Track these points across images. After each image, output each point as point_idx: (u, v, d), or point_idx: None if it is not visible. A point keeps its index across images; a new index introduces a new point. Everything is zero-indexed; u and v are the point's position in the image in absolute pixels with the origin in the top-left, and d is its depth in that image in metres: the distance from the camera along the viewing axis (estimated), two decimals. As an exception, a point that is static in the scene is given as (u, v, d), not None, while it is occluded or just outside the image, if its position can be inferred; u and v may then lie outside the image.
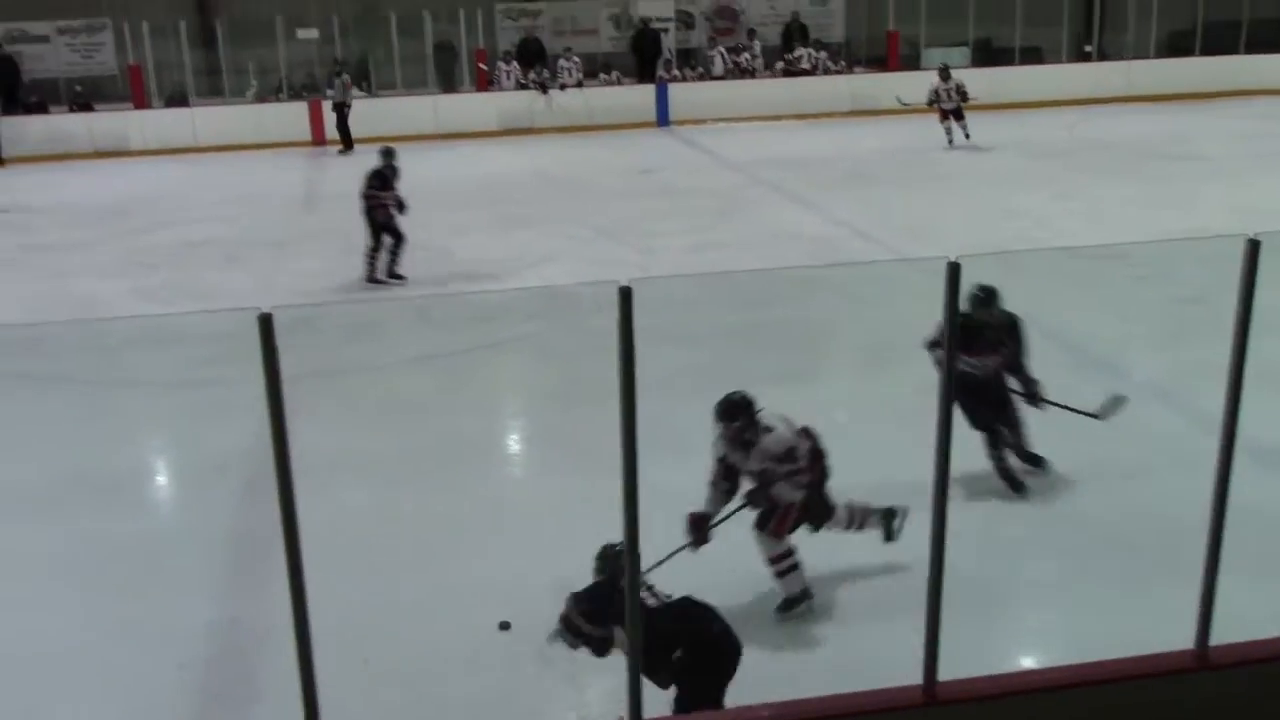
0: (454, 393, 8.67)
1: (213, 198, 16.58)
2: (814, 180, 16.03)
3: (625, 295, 3.80)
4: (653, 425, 3.87)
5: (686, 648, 4.28)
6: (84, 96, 21.87)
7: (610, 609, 4.28)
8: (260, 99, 22.53)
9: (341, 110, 19.94)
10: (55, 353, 9.58)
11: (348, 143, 19.94)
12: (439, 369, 9.15)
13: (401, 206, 11.41)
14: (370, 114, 21.52)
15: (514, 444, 8.34)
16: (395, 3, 23.59)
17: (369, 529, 6.29)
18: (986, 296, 6.31)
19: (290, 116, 21.08)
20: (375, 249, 11.55)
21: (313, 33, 22.84)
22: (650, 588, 4.50)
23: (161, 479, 7.97)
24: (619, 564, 4.20)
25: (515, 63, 22.98)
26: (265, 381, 3.91)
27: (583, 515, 6.18)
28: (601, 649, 4.41)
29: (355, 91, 20.54)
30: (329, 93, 20.41)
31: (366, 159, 12.87)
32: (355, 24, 23.47)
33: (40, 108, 21.56)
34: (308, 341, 8.65)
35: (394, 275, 11.65)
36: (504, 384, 9.39)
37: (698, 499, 5.48)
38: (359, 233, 13.92)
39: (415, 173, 17.97)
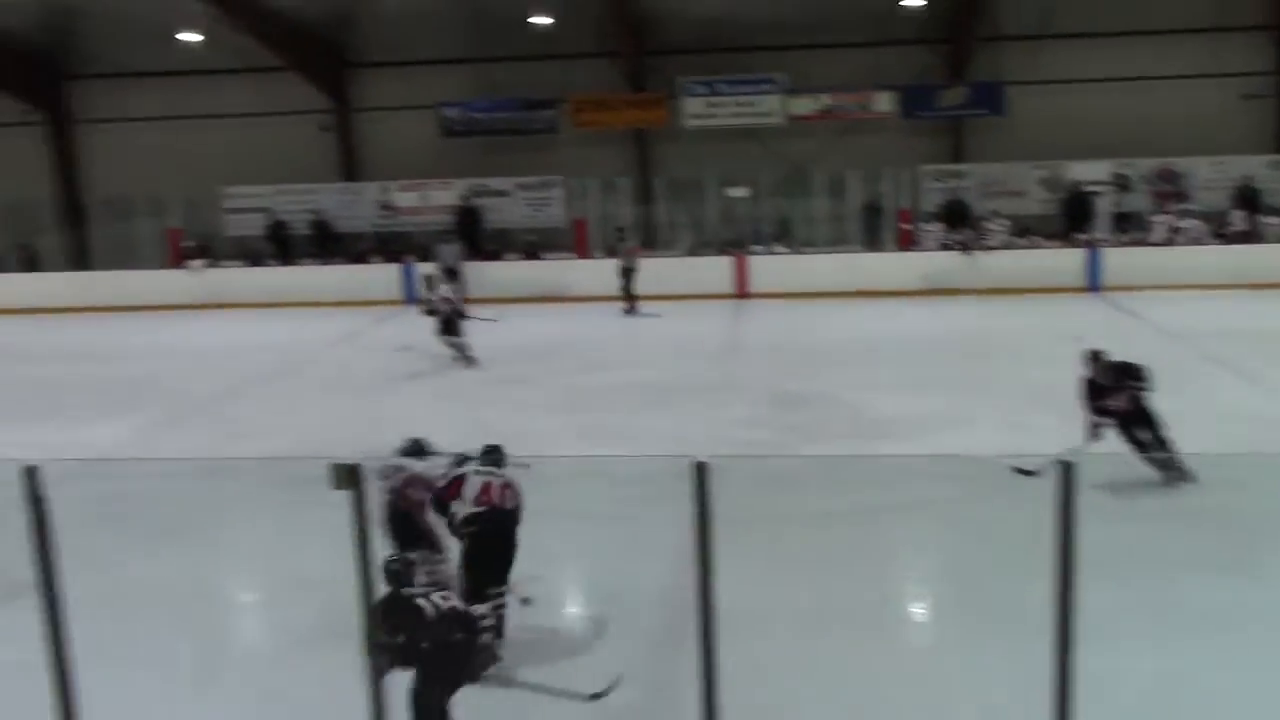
0: (859, 552, 8.55)
1: (643, 343, 17.51)
2: (1267, 356, 14.76)
3: (1066, 470, 3.62)
4: (1081, 607, 3.63)
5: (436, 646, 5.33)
6: (534, 245, 23.92)
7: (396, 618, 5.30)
8: (691, 252, 23.75)
9: (627, 274, 20.51)
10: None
11: (630, 304, 20.42)
12: (845, 526, 9.07)
13: (1136, 405, 9.96)
14: (790, 269, 22.18)
15: (919, 612, 8.08)
16: (822, 163, 24.32)
17: (775, 682, 6.25)
18: None
19: (717, 269, 22.04)
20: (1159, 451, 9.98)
21: (743, 191, 23.93)
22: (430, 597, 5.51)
23: (574, 608, 8.34)
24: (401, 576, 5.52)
25: (939, 223, 22.96)
26: (695, 524, 4.04)
27: (997, 696, 5.89)
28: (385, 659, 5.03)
29: (640, 258, 20.82)
30: (616, 258, 21.02)
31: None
32: (784, 184, 24.37)
33: (495, 255, 23.77)
34: (720, 489, 8.84)
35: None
36: (912, 549, 9.15)
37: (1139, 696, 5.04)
38: (779, 383, 14.24)
39: (833, 328, 18.35)
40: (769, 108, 24.31)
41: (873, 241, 24.00)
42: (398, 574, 5.53)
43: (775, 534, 8.81)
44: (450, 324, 16.29)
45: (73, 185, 26.35)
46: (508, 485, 6.82)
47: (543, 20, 23.63)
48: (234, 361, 16.97)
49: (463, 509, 6.66)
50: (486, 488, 6.67)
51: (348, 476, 3.99)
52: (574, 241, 24.01)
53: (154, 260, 24.24)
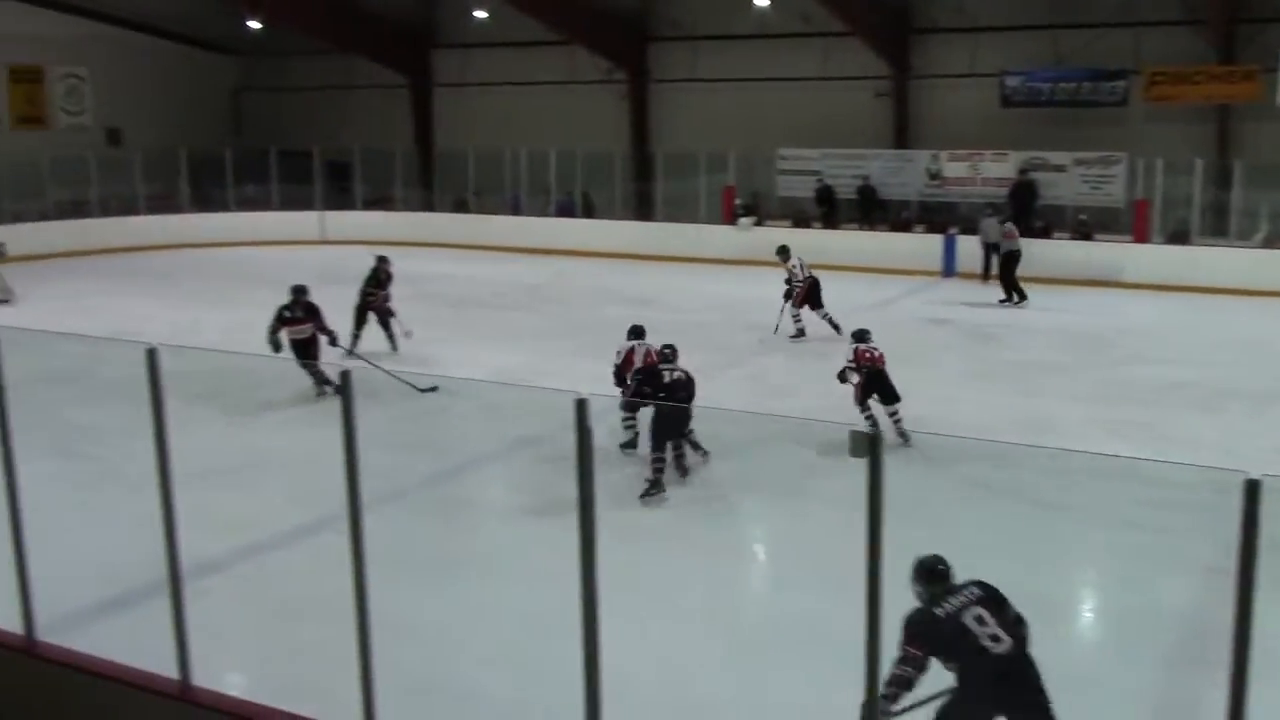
0: None
1: (1200, 340, 16.05)
2: None
3: None
4: None
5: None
6: (1086, 225, 22.60)
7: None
8: (1267, 244, 21.39)
9: (1006, 258, 19.22)
10: (1014, 468, 9.90)
11: (1008, 293, 19.13)
12: None
13: None
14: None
15: None
16: None
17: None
18: None
19: (1298, 264, 19.75)
20: None
21: (1344, 181, 21.12)
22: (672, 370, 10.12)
23: (1090, 614, 7.84)
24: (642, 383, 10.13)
25: None
26: (1240, 550, 3.60)
27: None
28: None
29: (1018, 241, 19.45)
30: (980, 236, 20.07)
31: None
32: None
33: (1044, 232, 22.72)
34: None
35: None
36: None
37: None
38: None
39: None
40: (1394, 85, 21.20)
41: None
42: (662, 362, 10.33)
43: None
44: (811, 299, 16.09)
45: (644, 140, 28.39)
46: (650, 349, 10.85)
47: (1122, -15, 22.14)
48: (773, 318, 17.55)
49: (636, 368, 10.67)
50: (648, 353, 10.76)
51: (867, 445, 3.93)
52: (1132, 224, 22.38)
53: (710, 215, 25.56)
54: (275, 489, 10.24)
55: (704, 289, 20.69)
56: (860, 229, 24.17)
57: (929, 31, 24.97)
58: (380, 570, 4.85)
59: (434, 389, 12.19)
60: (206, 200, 27.76)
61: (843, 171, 25.22)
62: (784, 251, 16.75)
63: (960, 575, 5.40)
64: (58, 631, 5.81)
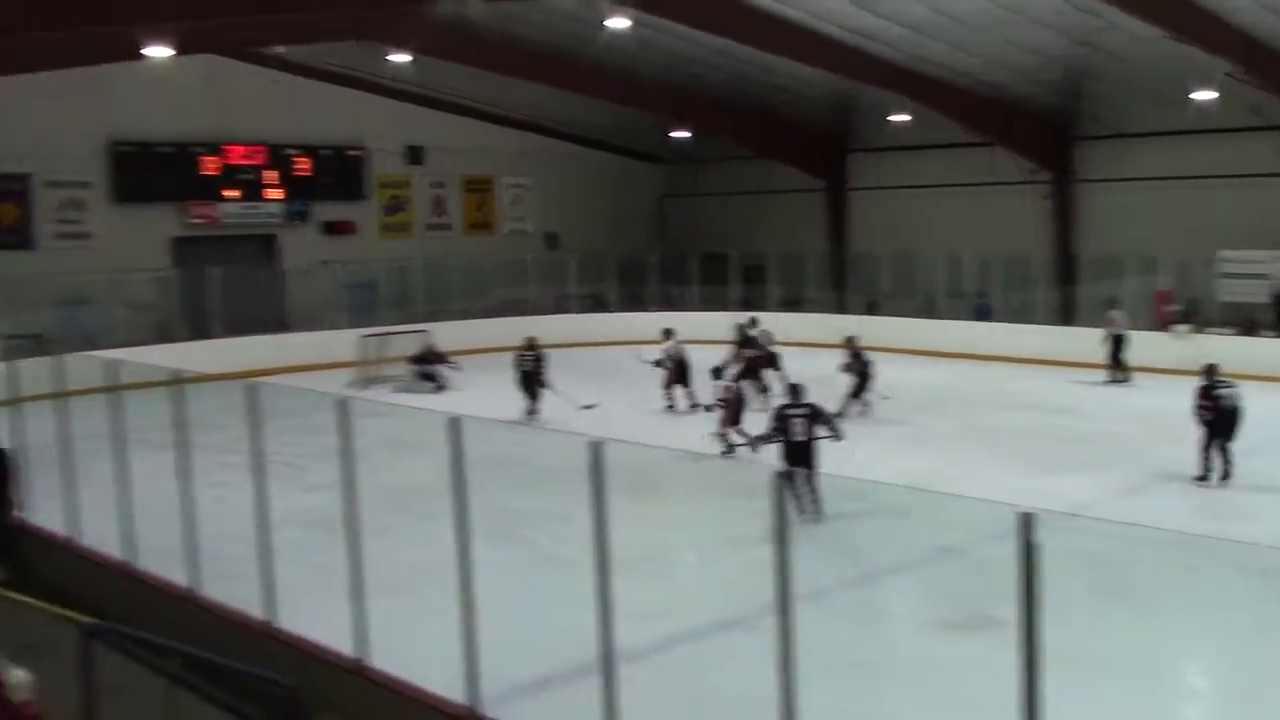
0: None
1: None
2: None
3: None
4: None
5: None
6: None
7: None
8: None
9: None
10: None
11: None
12: None
13: None
14: None
15: None
16: None
17: None
18: None
19: None
20: None
21: None
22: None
23: None
24: None
25: None
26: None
27: None
28: None
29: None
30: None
31: None
32: None
33: None
34: None
35: None
36: None
37: None
38: None
39: None
40: None
41: None
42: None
43: None
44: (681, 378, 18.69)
45: (1066, 242, 27.16)
46: None
47: None
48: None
49: None
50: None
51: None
52: None
53: (1139, 321, 23.94)
54: (686, 581, 10.46)
55: (1127, 399, 19.40)
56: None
57: (1404, 120, 22.46)
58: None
59: (593, 406, 17.12)
60: (632, 300, 29.41)
61: (1299, 274, 22.97)
62: (667, 333, 19.54)
63: None
64: (497, 705, 6.13)
